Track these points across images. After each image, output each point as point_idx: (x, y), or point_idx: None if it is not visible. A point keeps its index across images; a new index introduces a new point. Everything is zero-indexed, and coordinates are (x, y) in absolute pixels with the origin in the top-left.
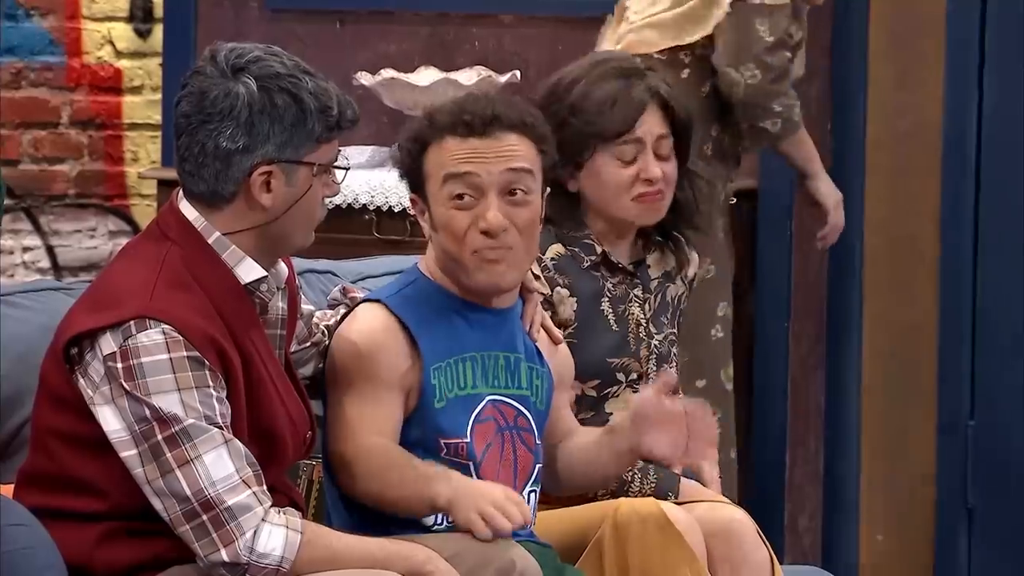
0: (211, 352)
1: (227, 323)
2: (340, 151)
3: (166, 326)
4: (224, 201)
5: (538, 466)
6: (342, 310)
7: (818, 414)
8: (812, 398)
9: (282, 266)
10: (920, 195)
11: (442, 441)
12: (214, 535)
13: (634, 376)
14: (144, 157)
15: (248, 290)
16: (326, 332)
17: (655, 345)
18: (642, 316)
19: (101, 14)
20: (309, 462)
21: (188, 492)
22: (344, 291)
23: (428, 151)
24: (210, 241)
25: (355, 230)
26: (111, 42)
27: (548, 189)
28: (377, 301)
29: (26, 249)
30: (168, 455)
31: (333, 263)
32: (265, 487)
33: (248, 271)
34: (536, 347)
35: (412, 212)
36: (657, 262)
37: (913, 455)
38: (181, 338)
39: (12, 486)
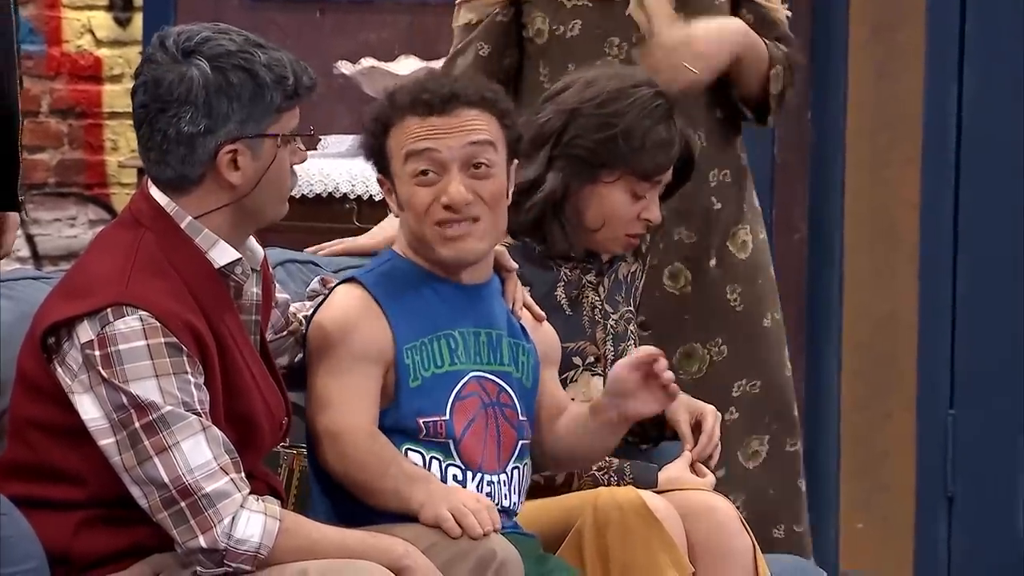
0: (188, 338)
1: (202, 307)
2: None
3: (143, 312)
4: (193, 184)
5: (522, 442)
6: (320, 300)
7: (798, 403)
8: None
9: (258, 248)
10: (900, 185)
11: (420, 421)
12: (192, 522)
13: (591, 359)
14: (124, 146)
15: (223, 274)
16: (303, 322)
17: (611, 326)
18: (597, 299)
19: (81, 3)
20: (289, 450)
21: (166, 479)
22: (323, 282)
23: (390, 132)
24: (183, 226)
25: (336, 219)
26: (91, 31)
27: (516, 161)
28: (353, 280)
29: None
30: (146, 442)
31: (314, 253)
32: (243, 474)
33: (222, 254)
34: (520, 324)
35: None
36: None
37: (893, 444)
38: (159, 324)
39: None
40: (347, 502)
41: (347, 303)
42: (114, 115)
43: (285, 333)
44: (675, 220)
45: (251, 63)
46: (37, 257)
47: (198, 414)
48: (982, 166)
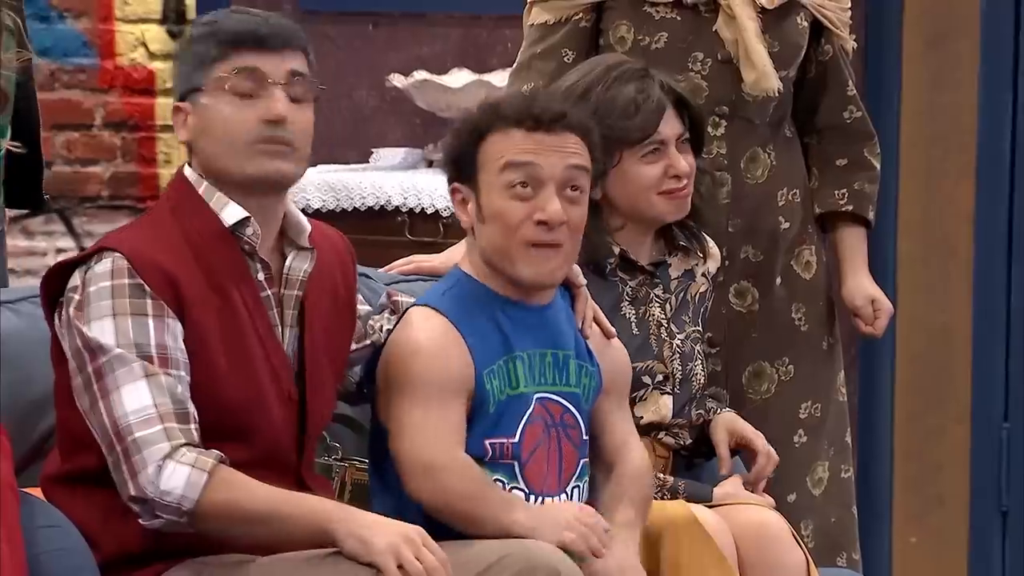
0: (159, 281)
1: (206, 268)
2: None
3: (116, 255)
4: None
5: (583, 461)
6: (386, 314)
7: (852, 417)
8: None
9: (303, 222)
10: (954, 197)
11: (487, 442)
12: (123, 467)
13: (660, 378)
14: (176, 159)
15: (236, 236)
16: (375, 330)
17: (677, 345)
18: (663, 316)
19: (134, 16)
20: (342, 463)
21: (107, 422)
22: (388, 295)
23: (487, 140)
24: (200, 191)
25: (388, 232)
26: (144, 44)
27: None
28: (426, 306)
29: (59, 251)
30: (95, 386)
31: (367, 268)
32: (193, 426)
33: (231, 214)
34: (587, 345)
35: (451, 202)
36: (679, 262)
37: (946, 458)
38: (127, 266)
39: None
40: (410, 509)
41: (430, 333)
42: (167, 128)
43: (367, 343)
44: (742, 239)
45: (195, 25)
46: None
47: (150, 359)
48: None
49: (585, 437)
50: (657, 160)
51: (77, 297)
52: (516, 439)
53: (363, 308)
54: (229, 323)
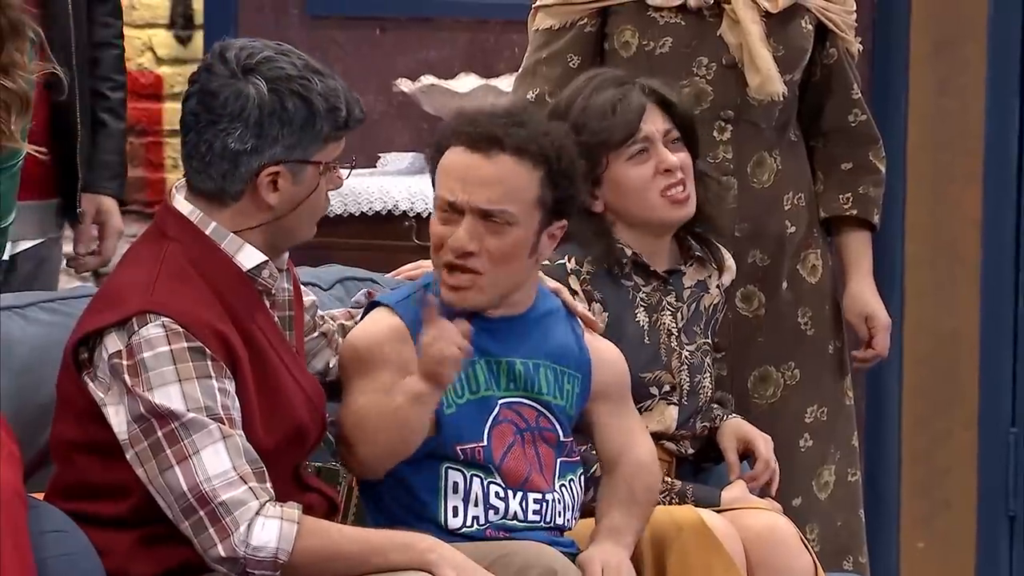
0: (215, 343)
1: (232, 312)
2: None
3: (166, 319)
4: (230, 199)
5: (561, 460)
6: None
7: (859, 421)
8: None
9: None
10: (961, 201)
11: (458, 448)
12: (211, 530)
13: (667, 388)
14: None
15: (251, 277)
16: (333, 321)
17: (686, 356)
18: (674, 325)
19: (142, 21)
20: None
21: (185, 488)
22: (368, 295)
23: (444, 156)
24: (207, 232)
25: (396, 237)
26: (152, 49)
27: (564, 222)
28: (387, 306)
29: (67, 256)
30: (168, 451)
31: (373, 272)
32: (268, 484)
33: (248, 258)
34: (577, 349)
35: None
36: (693, 272)
37: (954, 462)
38: (181, 329)
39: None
40: (399, 520)
41: (374, 328)
42: (175, 133)
43: (317, 334)
44: (749, 243)
45: (308, 90)
46: (98, 275)
47: (220, 420)
48: None
49: (564, 439)
50: (646, 160)
51: (126, 363)
52: (485, 443)
53: (308, 299)
54: (264, 367)
